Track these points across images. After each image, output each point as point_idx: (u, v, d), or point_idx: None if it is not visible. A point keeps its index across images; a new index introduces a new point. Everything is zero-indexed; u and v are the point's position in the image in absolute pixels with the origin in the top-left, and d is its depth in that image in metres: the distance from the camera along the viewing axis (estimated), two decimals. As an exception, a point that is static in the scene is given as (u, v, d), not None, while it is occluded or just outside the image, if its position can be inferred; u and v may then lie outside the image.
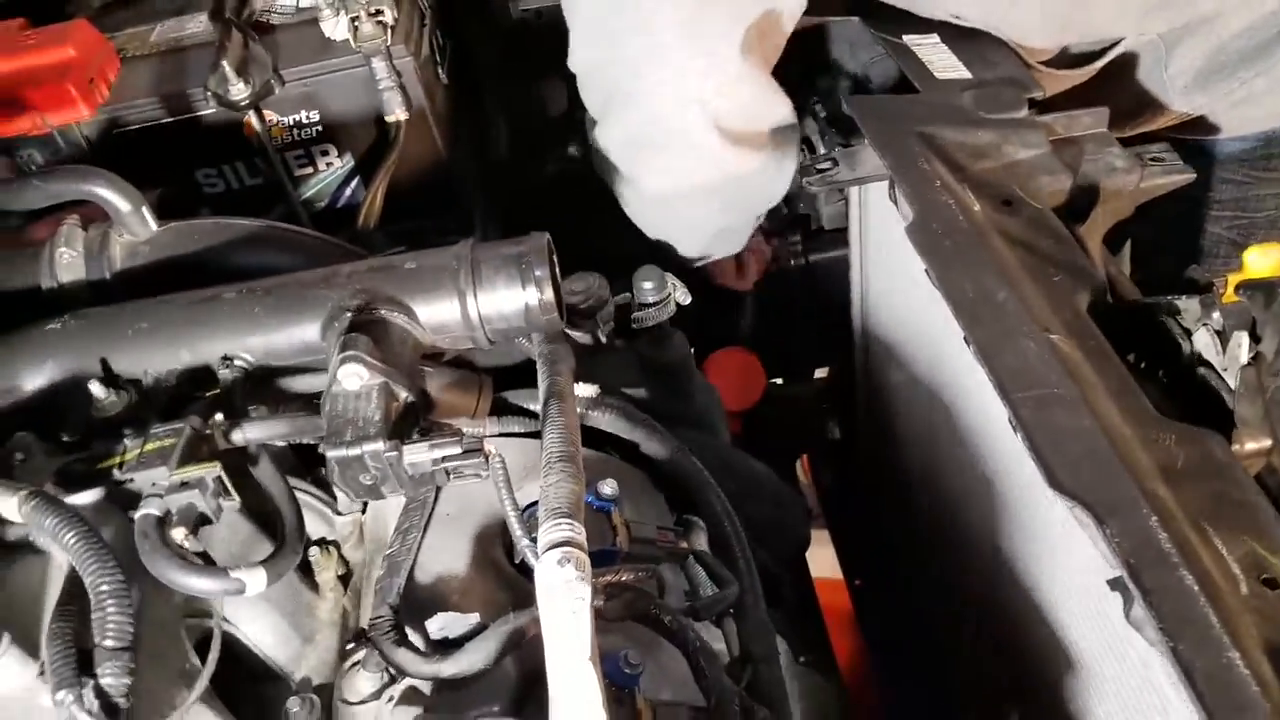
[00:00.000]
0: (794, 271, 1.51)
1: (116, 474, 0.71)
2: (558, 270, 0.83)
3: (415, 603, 0.78)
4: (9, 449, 0.74)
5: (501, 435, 0.91)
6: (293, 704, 0.78)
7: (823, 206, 1.48)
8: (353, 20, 1.08)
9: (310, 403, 0.83)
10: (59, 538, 0.64)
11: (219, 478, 0.69)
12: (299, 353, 0.79)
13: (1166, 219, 1.44)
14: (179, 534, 0.66)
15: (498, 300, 0.79)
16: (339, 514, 0.92)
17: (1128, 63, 1.23)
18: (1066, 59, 1.23)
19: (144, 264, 0.88)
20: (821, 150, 1.38)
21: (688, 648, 0.76)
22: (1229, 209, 1.41)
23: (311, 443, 0.81)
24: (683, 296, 1.06)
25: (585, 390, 0.95)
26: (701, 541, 0.95)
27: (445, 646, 0.74)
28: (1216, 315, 0.78)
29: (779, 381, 1.68)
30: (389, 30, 1.10)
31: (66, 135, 1.10)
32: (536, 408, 0.87)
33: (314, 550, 0.89)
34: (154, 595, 0.70)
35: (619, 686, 0.72)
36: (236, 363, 0.78)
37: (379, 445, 0.70)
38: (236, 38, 1.07)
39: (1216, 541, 0.66)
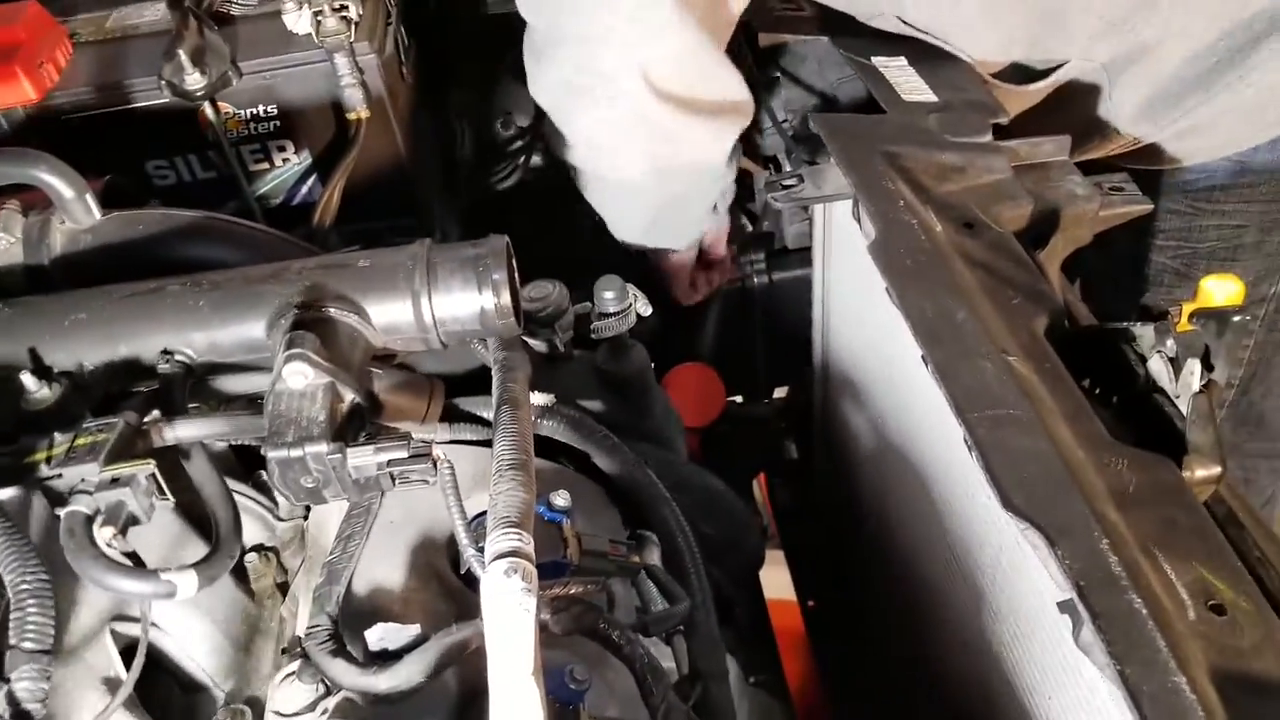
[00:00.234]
0: (756, 290, 1.51)
1: (44, 469, 0.67)
2: (516, 275, 0.82)
3: (355, 612, 0.76)
4: (-69, 440, 0.70)
5: (452, 442, 0.89)
6: (222, 715, 0.76)
7: (787, 226, 1.48)
8: (316, 14, 1.07)
9: (253, 402, 0.80)
10: (-23, 533, 0.61)
11: (152, 475, 0.66)
12: (244, 349, 0.76)
13: (1114, 247, 1.46)
14: (107, 533, 0.63)
15: (453, 303, 0.77)
16: (279, 519, 0.89)
17: (1077, 88, 1.25)
18: (1016, 75, 1.25)
19: (85, 253, 0.85)
20: (787, 167, 1.39)
21: (635, 664, 0.75)
22: (1173, 239, 1.43)
23: (253, 443, 0.79)
24: (644, 308, 1.05)
25: (540, 399, 0.94)
26: (654, 556, 0.94)
27: (384, 658, 0.72)
28: (1170, 343, 0.78)
29: (738, 400, 1.68)
30: (353, 26, 1.08)
31: (11, 117, 1.07)
32: (489, 415, 0.85)
33: (252, 557, 0.86)
34: (78, 597, 0.67)
35: (563, 703, 0.70)
36: (177, 358, 0.75)
37: (322, 447, 0.67)
38: (194, 26, 1.05)
39: (1166, 567, 0.66)
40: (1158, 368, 0.80)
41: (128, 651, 0.70)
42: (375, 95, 1.12)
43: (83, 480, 0.65)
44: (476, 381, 0.92)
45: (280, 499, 0.90)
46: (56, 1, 1.16)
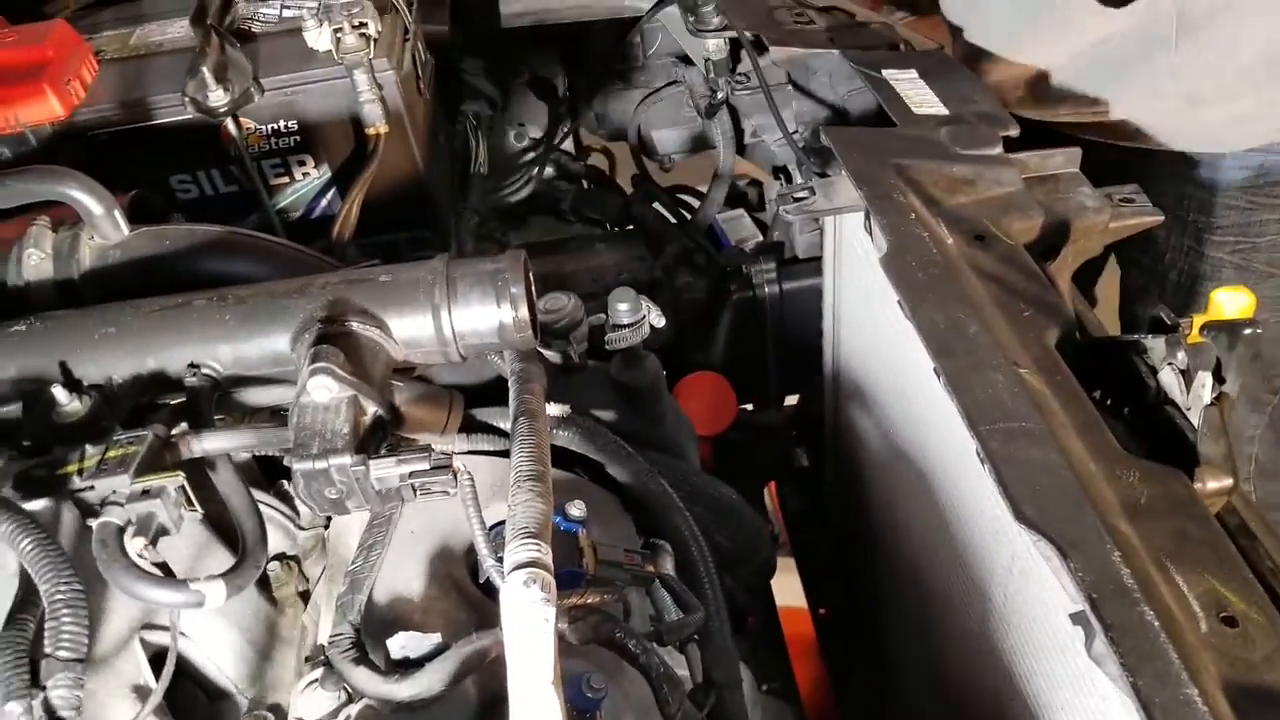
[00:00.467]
0: (767, 299, 1.52)
1: (76, 481, 0.69)
2: (534, 288, 0.83)
3: (376, 621, 0.77)
4: (-35, 453, 0.72)
5: (470, 453, 0.90)
6: (246, 721, 0.77)
7: (797, 235, 1.49)
8: (336, 31, 1.08)
9: (278, 415, 0.82)
10: (14, 543, 0.63)
11: (181, 487, 0.67)
12: (269, 363, 0.78)
13: (1169, 245, 1.48)
14: (138, 544, 0.65)
15: (472, 316, 0.79)
16: (301, 528, 0.91)
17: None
18: None
19: (114, 268, 0.87)
20: (799, 179, 1.40)
21: (651, 674, 0.76)
22: (1231, 234, 1.44)
23: (277, 455, 0.80)
24: (657, 319, 1.06)
25: (555, 410, 0.95)
26: (668, 566, 0.95)
27: (405, 666, 0.73)
28: (1182, 355, 0.79)
29: (749, 408, 1.69)
30: (372, 43, 1.10)
31: (39, 134, 1.09)
32: (507, 426, 0.87)
33: (274, 565, 0.88)
34: (109, 607, 0.69)
35: (580, 711, 0.71)
36: (204, 371, 0.77)
37: (346, 459, 0.69)
38: (216, 43, 1.07)
39: (1178, 579, 0.66)
40: (1169, 380, 0.81)
41: (155, 659, 0.71)
42: (394, 110, 1.14)
43: (114, 492, 0.67)
44: (493, 392, 0.94)
45: (302, 508, 0.92)
46: (83, 19, 1.18)
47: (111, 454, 0.69)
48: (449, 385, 0.93)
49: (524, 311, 0.80)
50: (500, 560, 0.69)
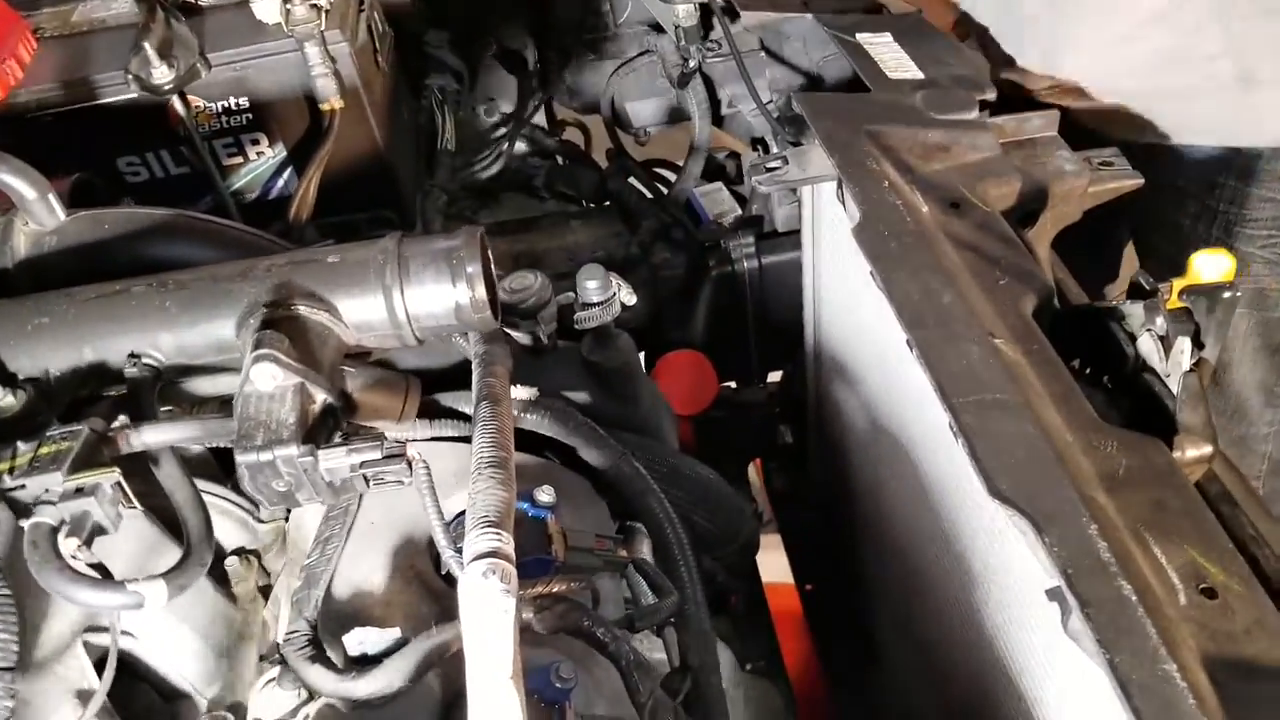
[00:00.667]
0: (747, 274, 1.49)
1: (7, 480, 0.66)
2: (492, 267, 0.80)
3: (335, 616, 0.75)
4: (-106, 451, 0.68)
5: (431, 440, 0.87)
6: (202, 722, 0.75)
7: (776, 208, 1.46)
8: (285, 3, 1.04)
9: (226, 404, 0.79)
10: (-60, 548, 0.60)
11: (118, 484, 0.64)
12: (213, 350, 0.75)
13: (1198, 237, 1.44)
14: (72, 544, 0.62)
15: (426, 297, 0.76)
16: (261, 522, 0.88)
17: None
18: None
19: (50, 255, 0.83)
20: (774, 149, 1.36)
21: (620, 661, 0.74)
22: (1264, 228, 1.39)
23: (226, 445, 0.77)
24: (628, 296, 1.03)
25: (522, 393, 0.92)
26: (644, 550, 0.93)
27: (363, 663, 0.70)
28: (1160, 320, 0.77)
29: (732, 386, 1.66)
30: (323, 14, 1.06)
31: (-26, 116, 1.05)
32: (470, 410, 0.84)
33: (232, 560, 0.85)
34: (47, 609, 0.66)
35: (550, 701, 0.69)
36: (145, 361, 0.74)
37: (292, 450, 0.66)
38: (161, 18, 1.03)
39: (1156, 550, 0.64)
40: (1148, 346, 0.79)
41: (102, 663, 0.68)
42: (349, 85, 1.10)
43: (46, 491, 0.64)
44: (460, 376, 0.91)
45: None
46: (20, -4, 1.14)
47: (44, 450, 0.66)
48: (412, 370, 0.90)
49: (481, 291, 0.77)
50: (460, 551, 0.66)
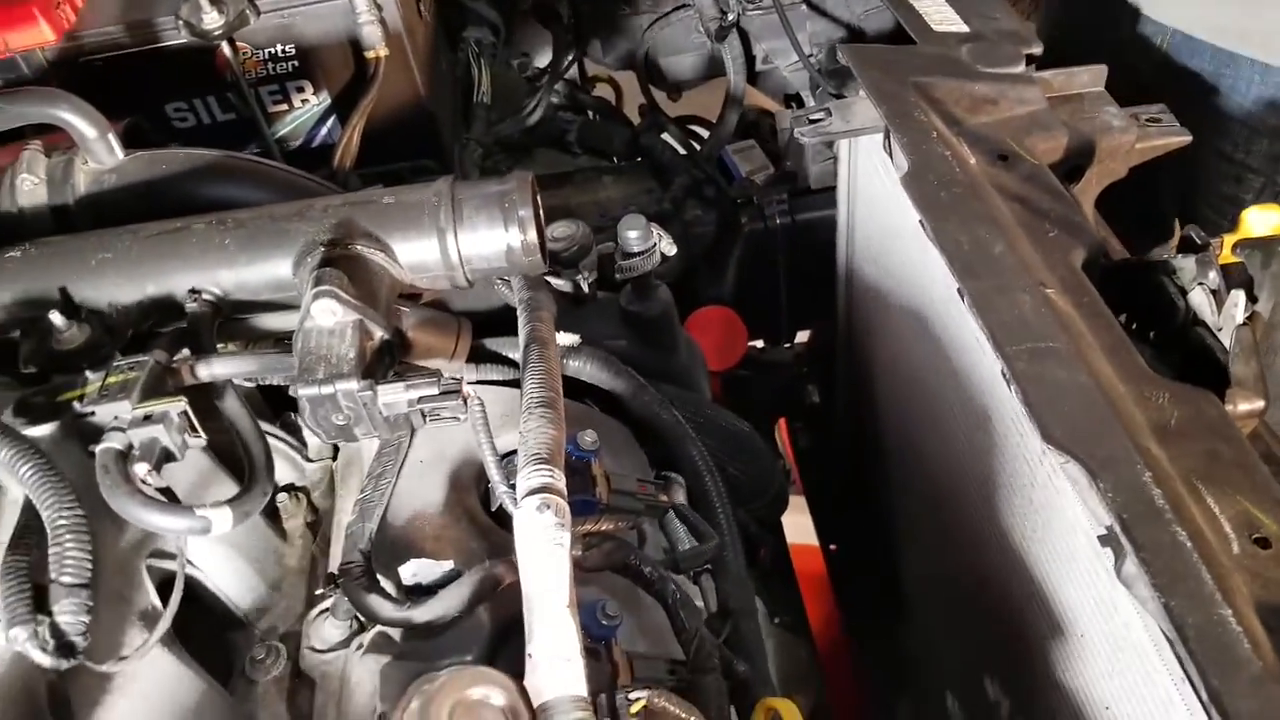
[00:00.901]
0: (779, 231, 1.49)
1: (77, 407, 0.67)
2: (541, 211, 0.80)
3: (387, 549, 0.76)
4: (-37, 381, 0.70)
5: (479, 383, 0.88)
6: (258, 651, 0.76)
7: (810, 165, 1.45)
8: (332, -51, 1.04)
9: (281, 342, 0.80)
10: (15, 470, 0.61)
11: (184, 413, 0.66)
12: (270, 288, 0.76)
13: (1233, 200, 1.42)
14: (141, 469, 0.63)
15: (479, 240, 0.76)
16: (309, 460, 0.90)
17: None
18: None
19: (109, 193, 0.84)
20: (812, 104, 1.35)
21: (667, 600, 0.75)
22: None
23: (282, 383, 0.79)
24: (668, 247, 1.03)
25: (566, 339, 0.93)
26: (681, 497, 0.94)
27: (417, 593, 0.72)
28: (1213, 274, 0.77)
29: (760, 345, 1.67)
30: (370, -39, 1.06)
31: (30, 60, 1.05)
32: (516, 355, 0.85)
33: (283, 497, 0.87)
34: (114, 533, 0.68)
35: (596, 638, 0.70)
36: (205, 296, 0.75)
37: (353, 384, 0.67)
38: (210, -37, 1.02)
39: (1209, 500, 0.64)
40: (1199, 300, 0.78)
41: (165, 587, 0.70)
42: (394, 33, 1.10)
43: (116, 417, 0.65)
44: (501, 322, 0.92)
45: (310, 439, 0.91)
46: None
47: (112, 380, 0.67)
48: (457, 311, 0.90)
49: (532, 235, 0.77)
50: (513, 487, 0.68)
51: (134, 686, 0.63)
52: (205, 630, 0.78)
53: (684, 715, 0.59)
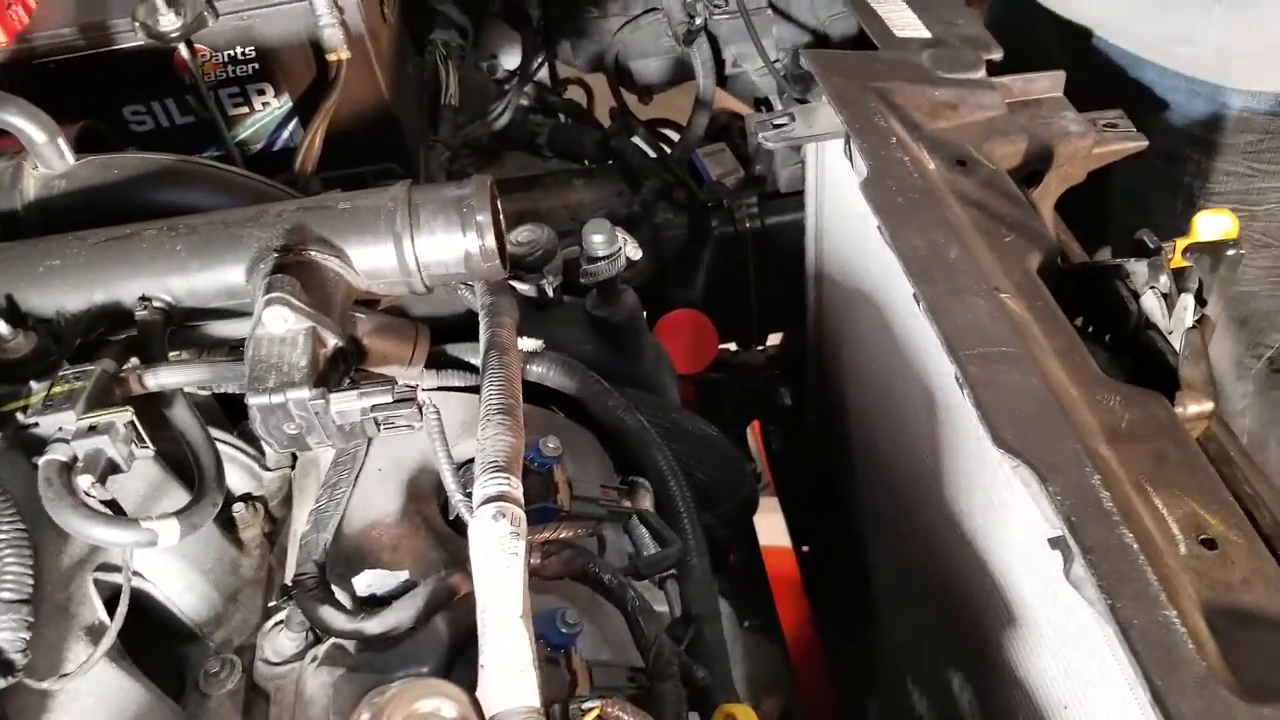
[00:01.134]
0: (749, 235, 1.49)
1: (20, 418, 0.66)
2: (501, 216, 0.80)
3: (344, 559, 0.75)
4: (-94, 390, 0.69)
5: (439, 389, 0.88)
6: (211, 665, 0.76)
7: (780, 169, 1.46)
8: (291, -49, 1.03)
9: (236, 350, 0.79)
10: (-46, 483, 0.60)
11: (130, 423, 0.65)
12: (223, 295, 0.75)
13: (1162, 210, 1.44)
14: (85, 481, 0.62)
15: (436, 245, 0.76)
16: (267, 469, 0.89)
17: None
18: None
19: (59, 198, 0.83)
20: (779, 108, 1.36)
21: (626, 606, 0.75)
22: (1229, 201, 1.39)
23: (235, 391, 0.78)
24: (633, 251, 1.03)
25: (528, 344, 0.92)
26: (647, 502, 0.93)
27: (372, 604, 0.71)
28: (1164, 278, 0.77)
29: (732, 349, 1.67)
30: (330, -36, 1.05)
31: (-20, 63, 1.04)
32: (478, 361, 0.84)
33: (239, 507, 0.86)
34: (58, 547, 0.67)
35: (555, 647, 0.70)
36: (155, 304, 0.74)
37: (304, 392, 0.66)
38: (166, -35, 1.01)
39: (1157, 501, 0.65)
40: (1151, 304, 0.79)
41: (115, 601, 0.69)
42: (355, 35, 1.09)
43: (60, 429, 0.64)
44: (465, 328, 0.91)
45: (269, 449, 0.90)
46: (23, -59, 1.12)
47: (57, 390, 0.66)
48: (415, 317, 0.90)
49: (490, 240, 0.77)
50: (469, 495, 0.67)
51: (77, 704, 0.62)
52: (158, 644, 0.77)
53: (636, 724, 0.59)
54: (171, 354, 0.76)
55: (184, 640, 0.79)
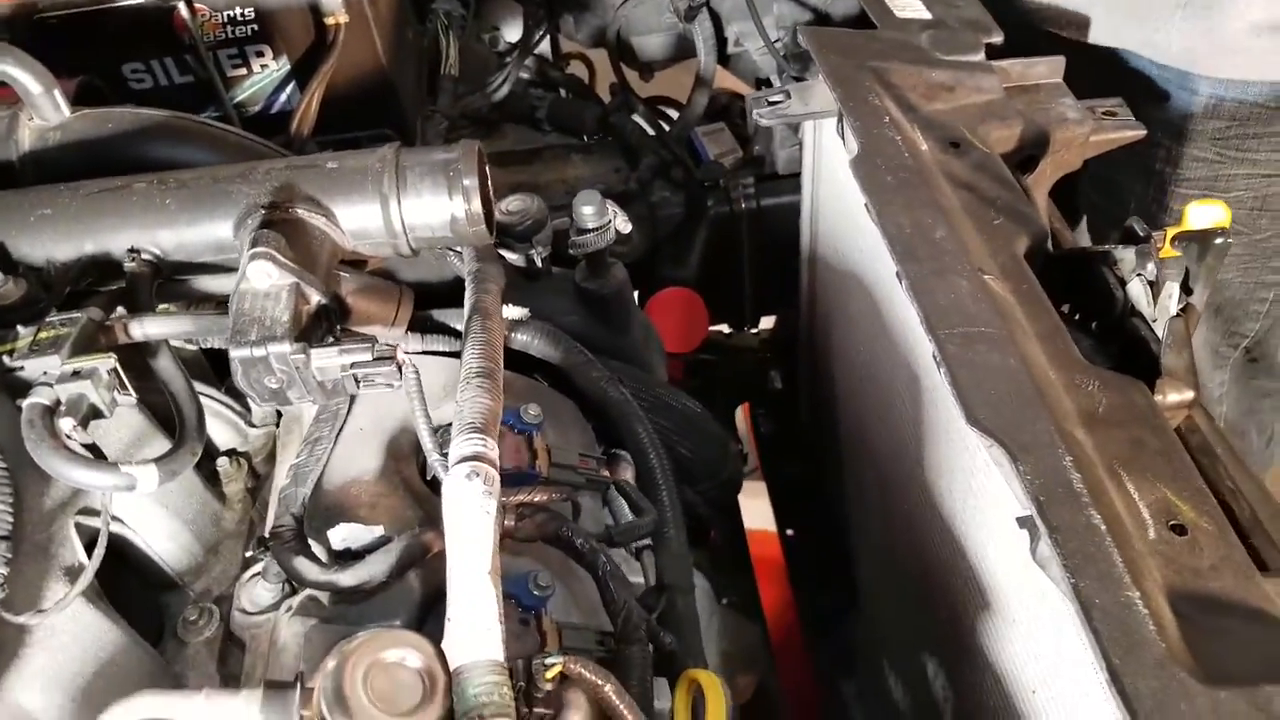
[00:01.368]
0: (745, 215, 1.49)
1: (6, 360, 0.67)
2: (489, 182, 0.80)
3: (321, 514, 0.76)
4: (-106, 332, 0.69)
5: (424, 353, 0.88)
6: (190, 613, 0.77)
7: (778, 150, 1.45)
8: (292, -88, 1.03)
9: (222, 304, 0.80)
10: (-63, 422, 0.61)
11: (114, 370, 0.66)
12: (211, 249, 0.75)
13: (1134, 195, 1.44)
14: (67, 424, 0.63)
15: (422, 208, 0.76)
16: (252, 425, 0.89)
17: None
18: None
19: (53, 150, 0.83)
20: (777, 84, 1.36)
21: (597, 571, 0.75)
22: (1198, 187, 1.40)
23: (219, 344, 0.78)
24: (623, 225, 1.03)
25: (514, 312, 0.93)
26: (627, 474, 0.94)
27: (347, 558, 0.72)
28: (1151, 266, 0.78)
29: (725, 330, 1.67)
30: (330, -75, 1.05)
31: (-19, 16, 1.04)
32: (461, 326, 0.85)
33: (223, 461, 0.87)
34: (40, 488, 0.67)
35: (527, 608, 0.70)
36: (144, 256, 0.74)
37: (285, 346, 0.67)
38: (168, -79, 1.01)
39: (1129, 486, 0.65)
40: (1137, 291, 0.79)
41: (94, 543, 0.70)
42: None
43: (45, 373, 0.65)
44: (453, 294, 0.91)
45: (253, 406, 0.90)
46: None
47: (43, 335, 0.67)
48: (401, 280, 0.90)
49: (477, 205, 0.77)
50: (445, 455, 0.68)
51: (54, 641, 0.63)
52: (138, 591, 0.78)
53: (599, 681, 0.60)
54: (160, 306, 0.77)
55: (165, 589, 0.80)
